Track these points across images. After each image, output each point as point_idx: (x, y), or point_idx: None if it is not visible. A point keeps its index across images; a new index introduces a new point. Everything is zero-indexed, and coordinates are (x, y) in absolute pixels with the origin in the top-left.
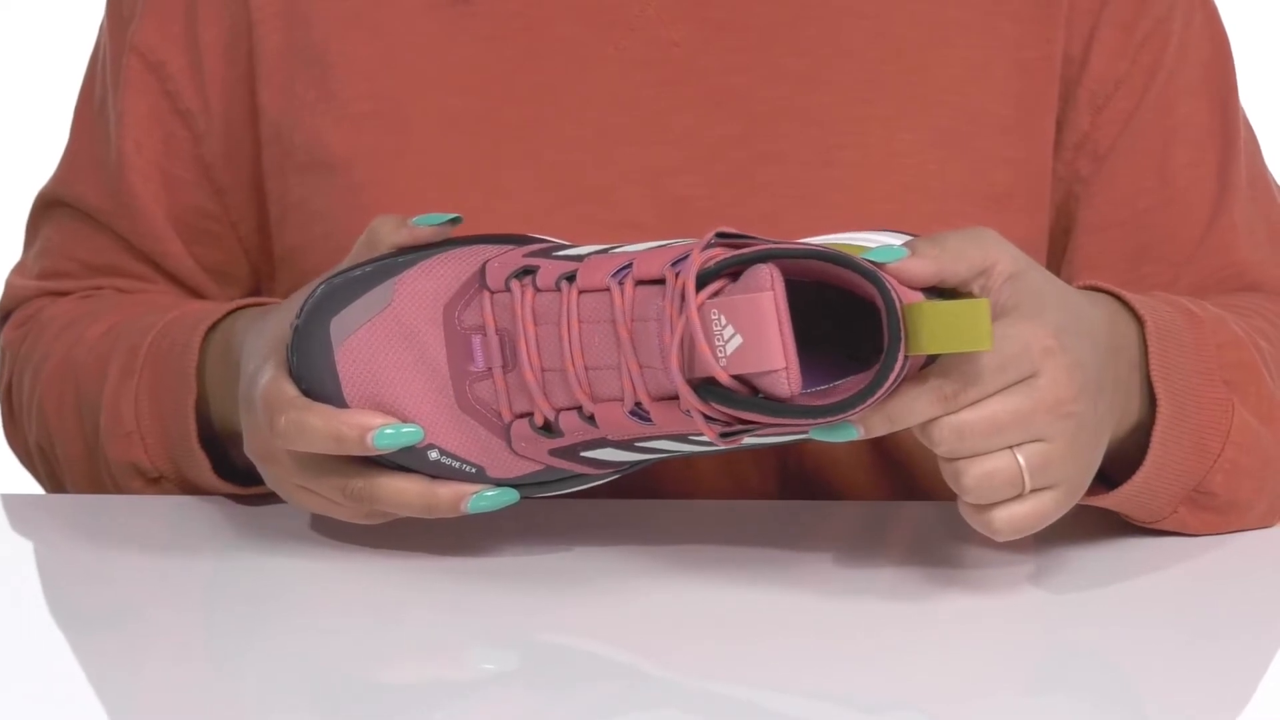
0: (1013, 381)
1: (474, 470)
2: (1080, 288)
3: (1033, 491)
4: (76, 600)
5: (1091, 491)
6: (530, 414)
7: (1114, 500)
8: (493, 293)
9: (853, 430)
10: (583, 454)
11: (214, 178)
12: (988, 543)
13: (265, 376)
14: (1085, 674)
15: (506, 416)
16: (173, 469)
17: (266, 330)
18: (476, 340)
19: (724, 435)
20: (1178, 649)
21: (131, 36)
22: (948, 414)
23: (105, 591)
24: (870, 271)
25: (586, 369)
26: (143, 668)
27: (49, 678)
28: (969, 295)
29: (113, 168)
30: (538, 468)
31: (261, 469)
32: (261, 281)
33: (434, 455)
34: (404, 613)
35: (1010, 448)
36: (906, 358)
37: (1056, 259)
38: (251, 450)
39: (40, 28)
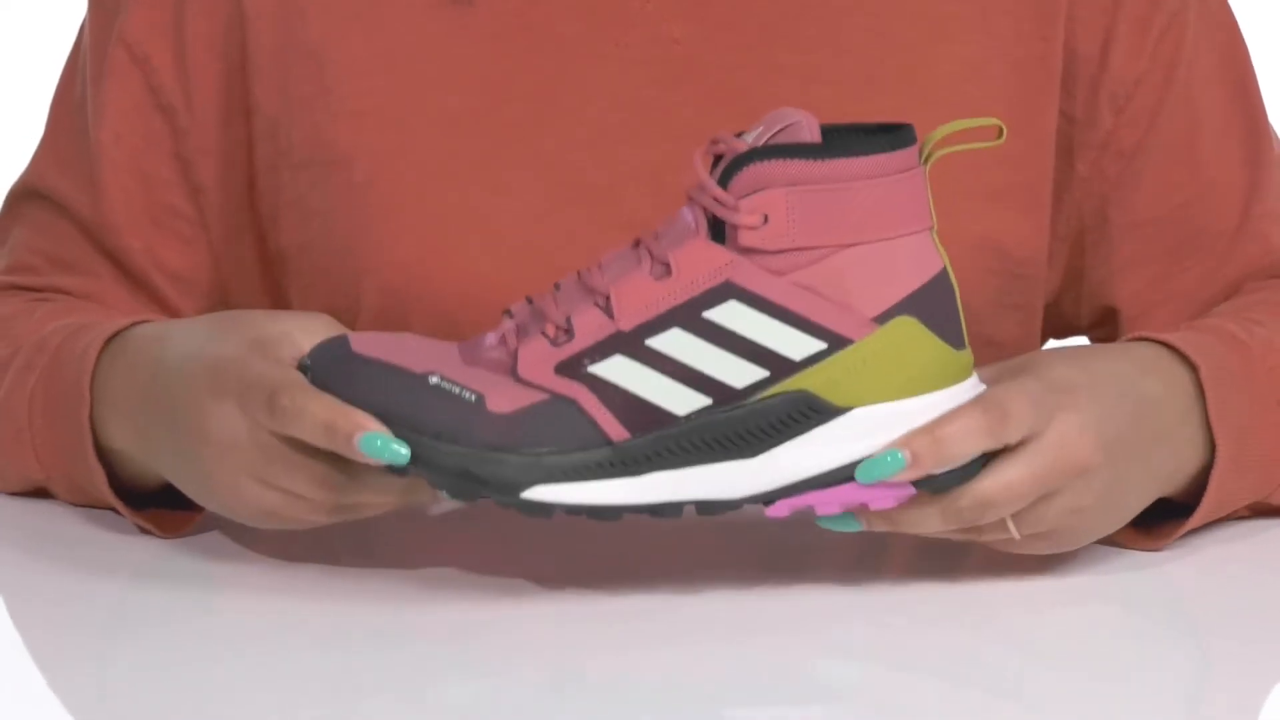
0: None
1: (473, 398)
2: (1128, 340)
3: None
4: None
5: (1149, 531)
6: (542, 332)
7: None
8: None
9: (901, 460)
10: (589, 368)
11: (192, 175)
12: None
13: (264, 363)
14: (1090, 672)
15: (513, 344)
16: (61, 474)
17: (233, 333)
18: (490, 335)
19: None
20: (1187, 648)
21: (119, 28)
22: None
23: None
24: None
25: (601, 267)
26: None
27: None
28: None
29: (87, 158)
30: (540, 397)
31: (217, 460)
32: (232, 295)
33: (434, 380)
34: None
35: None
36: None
37: (1078, 260)
38: (215, 437)
39: (35, 28)
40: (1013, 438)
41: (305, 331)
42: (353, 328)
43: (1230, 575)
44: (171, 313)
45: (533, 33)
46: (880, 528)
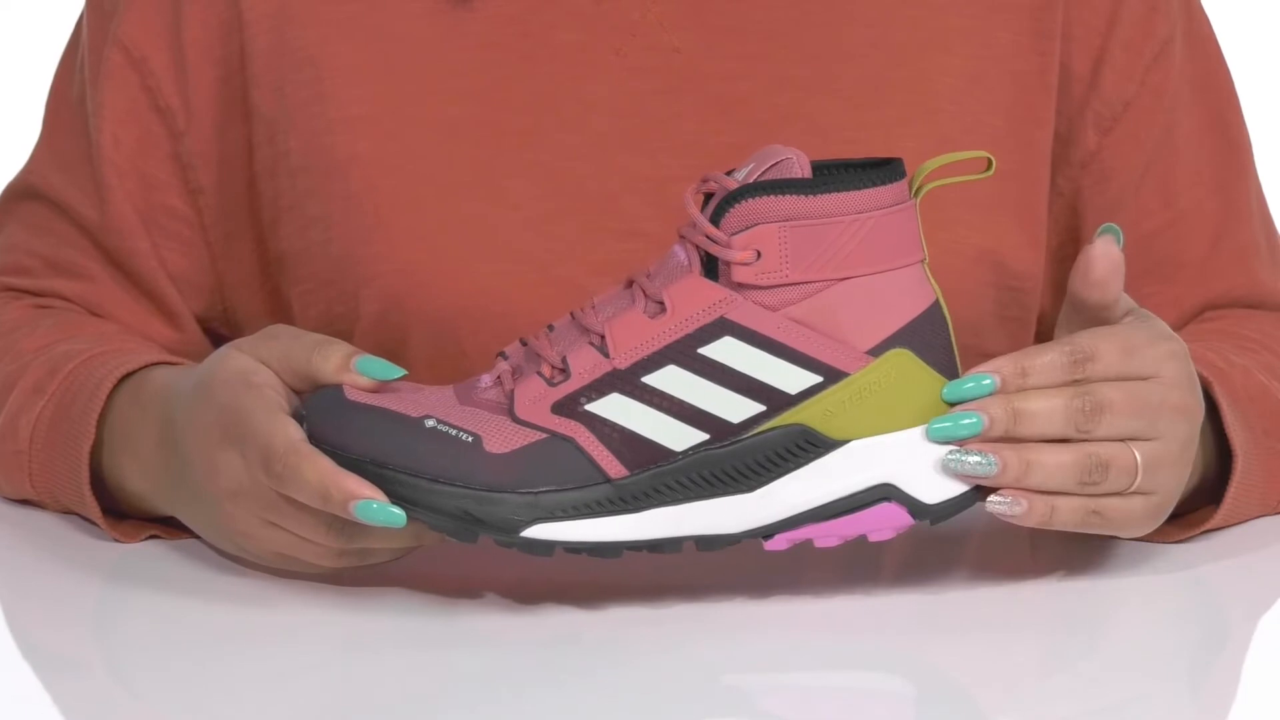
0: (1134, 374)
1: (470, 439)
2: None
3: (1134, 493)
4: None
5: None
6: (538, 372)
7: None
8: (507, 358)
9: (990, 382)
10: (586, 406)
11: (190, 178)
12: (986, 540)
13: (261, 416)
14: (1090, 667)
15: (509, 385)
16: (51, 498)
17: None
18: (485, 376)
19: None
20: (1186, 643)
21: (115, 30)
22: (1076, 380)
23: None
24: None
25: (595, 307)
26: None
27: None
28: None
29: (88, 161)
30: (538, 437)
31: (230, 503)
32: (231, 296)
33: (430, 423)
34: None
35: (1127, 442)
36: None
37: (1060, 274)
38: (225, 484)
39: (35, 28)
40: (1097, 372)
41: (265, 347)
42: (352, 334)
43: (1245, 563)
44: (174, 316)
45: (531, 41)
46: (1012, 376)
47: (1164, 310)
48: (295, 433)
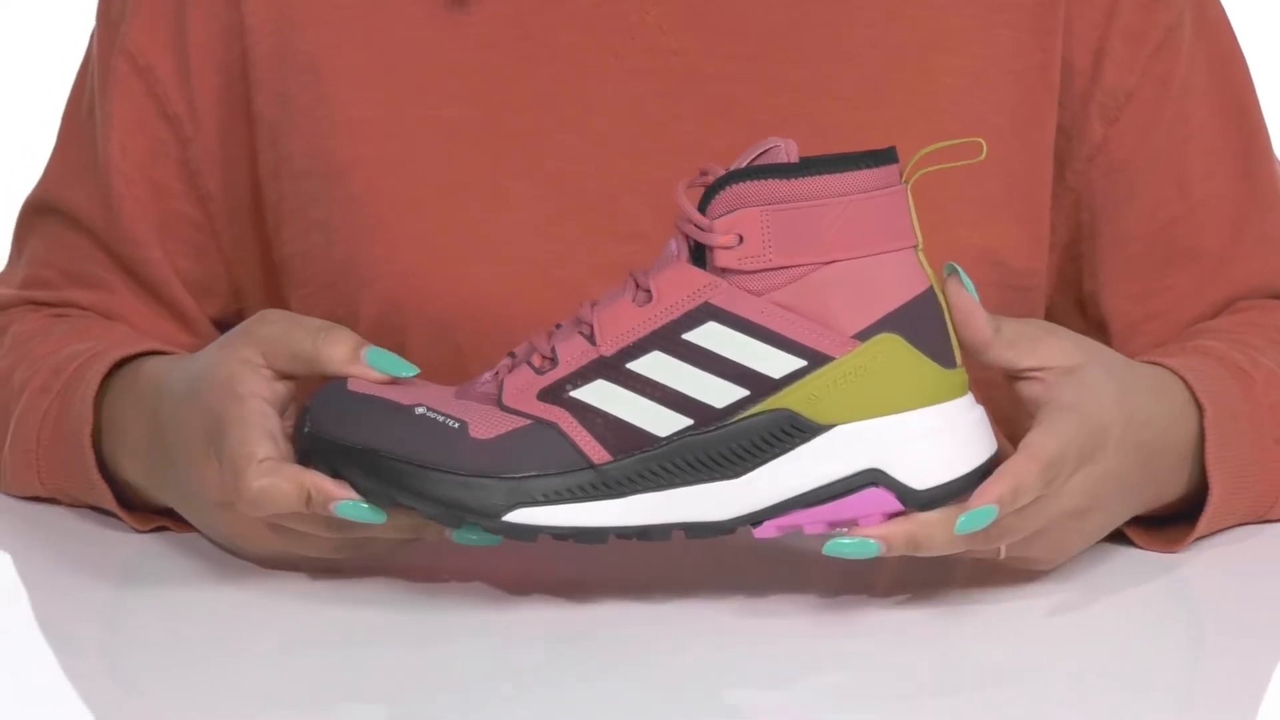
0: (1053, 482)
1: (456, 425)
2: (1147, 361)
3: None
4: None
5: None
6: (528, 363)
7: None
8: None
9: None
10: (571, 393)
11: (199, 184)
12: None
13: (234, 435)
14: (1088, 666)
15: (501, 375)
16: (61, 492)
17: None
18: (486, 374)
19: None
20: (1184, 642)
21: (121, 39)
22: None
23: None
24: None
25: (594, 305)
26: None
27: None
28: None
29: (98, 171)
30: (522, 423)
31: (216, 516)
32: (243, 299)
33: (420, 410)
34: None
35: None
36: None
37: (1070, 270)
38: (209, 498)
39: (37, 30)
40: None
41: (260, 332)
42: None
43: (1233, 574)
44: (189, 321)
45: (531, 43)
46: (900, 552)
47: (1187, 303)
48: (261, 451)
